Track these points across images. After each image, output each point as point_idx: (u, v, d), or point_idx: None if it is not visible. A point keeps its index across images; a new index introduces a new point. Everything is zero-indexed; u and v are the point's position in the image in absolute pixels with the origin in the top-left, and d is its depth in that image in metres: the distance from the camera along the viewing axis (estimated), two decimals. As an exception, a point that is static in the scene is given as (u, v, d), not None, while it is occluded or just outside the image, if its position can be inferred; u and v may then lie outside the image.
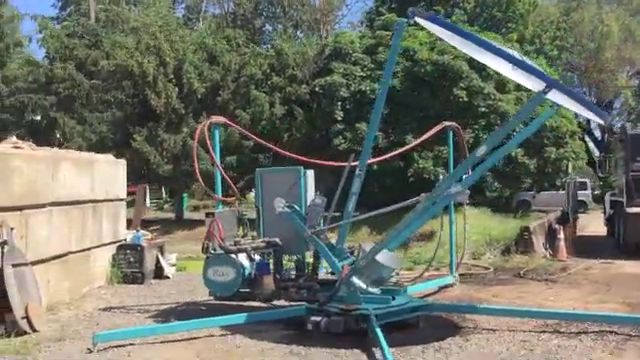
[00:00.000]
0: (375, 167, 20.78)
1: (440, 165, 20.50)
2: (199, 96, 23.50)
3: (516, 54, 6.92)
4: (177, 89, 23.27)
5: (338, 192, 7.48)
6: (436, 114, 20.98)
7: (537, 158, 21.03)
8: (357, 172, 7.32)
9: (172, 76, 23.50)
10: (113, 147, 23.04)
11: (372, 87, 21.17)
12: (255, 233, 8.09)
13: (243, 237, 7.93)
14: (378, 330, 6.27)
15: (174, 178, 23.48)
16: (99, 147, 23.55)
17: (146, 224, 16.27)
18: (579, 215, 21.62)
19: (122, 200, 11.24)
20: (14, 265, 7.11)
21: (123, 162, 11.41)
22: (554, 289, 9.59)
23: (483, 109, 20.51)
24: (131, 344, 6.51)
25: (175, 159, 22.88)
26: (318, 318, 6.81)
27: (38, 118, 23.31)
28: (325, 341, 6.53)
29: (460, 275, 11.21)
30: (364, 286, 7.12)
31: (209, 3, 54.90)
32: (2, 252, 7.08)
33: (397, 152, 11.23)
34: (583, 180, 30.02)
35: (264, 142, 10.14)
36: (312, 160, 8.97)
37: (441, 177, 20.20)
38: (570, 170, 24.41)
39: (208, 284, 7.66)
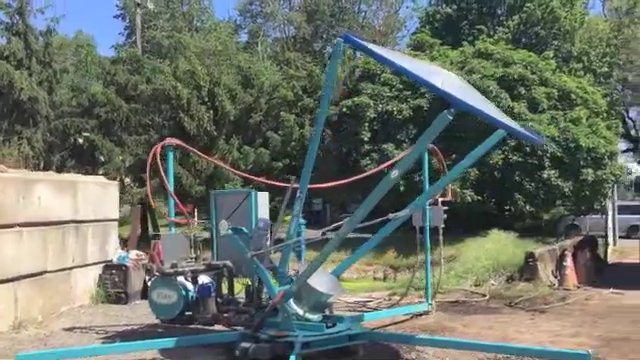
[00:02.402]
0: (402, 188, 20.55)
1: (468, 187, 19.91)
2: (232, 118, 23.93)
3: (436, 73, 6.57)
4: (212, 112, 23.81)
5: (281, 214, 7.35)
6: (463, 135, 20.47)
7: (573, 180, 19.99)
8: (298, 194, 7.14)
9: (207, 99, 24.09)
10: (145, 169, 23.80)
11: (400, 107, 20.84)
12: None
13: (194, 260, 7.88)
14: (292, 358, 6.05)
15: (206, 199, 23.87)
16: (135, 169, 24.45)
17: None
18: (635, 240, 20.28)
19: (113, 221, 11.45)
20: (-37, 284, 7.33)
21: (115, 184, 11.68)
22: (535, 320, 9.01)
23: (513, 129, 19.74)
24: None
25: (207, 180, 23.26)
26: (247, 344, 6.65)
27: (81, 141, 24.29)
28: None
29: (452, 302, 10.82)
30: (301, 312, 6.92)
31: (270, 27, 56.28)
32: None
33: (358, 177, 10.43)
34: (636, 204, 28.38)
35: (222, 164, 10.20)
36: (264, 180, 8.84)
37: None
38: (611, 193, 23.18)
39: (152, 307, 7.65)
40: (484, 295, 11.23)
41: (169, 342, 6.90)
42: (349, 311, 9.89)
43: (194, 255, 7.96)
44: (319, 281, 6.98)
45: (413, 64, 6.48)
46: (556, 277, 12.31)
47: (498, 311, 9.83)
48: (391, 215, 7.23)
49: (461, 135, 19.67)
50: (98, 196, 11.03)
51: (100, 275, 10.82)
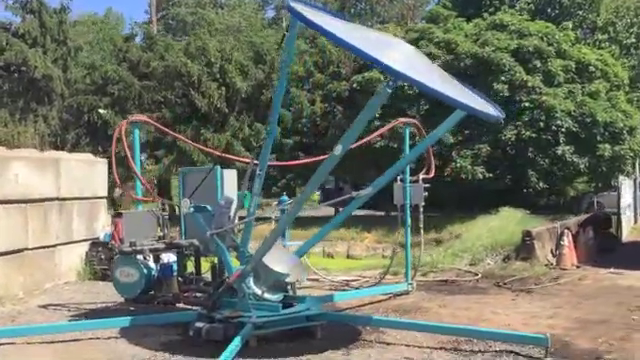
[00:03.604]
0: (413, 165, 20.13)
1: (479, 164, 19.42)
2: (243, 95, 23.76)
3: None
4: (223, 89, 23.69)
5: (242, 192, 7.17)
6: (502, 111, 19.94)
7: (589, 156, 19.32)
8: (257, 172, 6.94)
9: (218, 76, 23.96)
10: (161, 146, 23.89)
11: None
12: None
13: (161, 238, 7.78)
14: (238, 338, 5.90)
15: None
16: (148, 146, 24.55)
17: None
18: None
19: (102, 198, 11.44)
20: None
21: (103, 161, 11.63)
22: (517, 301, 8.69)
23: (526, 104, 19.13)
24: (12, 343, 6.55)
25: (219, 158, 23.21)
26: (201, 324, 6.54)
27: (102, 112, 24.24)
28: (205, 349, 6.23)
29: (440, 282, 10.56)
30: (259, 292, 6.76)
31: (296, 3, 55.72)
32: None
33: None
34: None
35: (186, 140, 10.10)
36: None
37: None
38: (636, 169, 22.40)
39: (115, 285, 7.58)
40: (476, 274, 10.92)
41: (124, 321, 6.83)
42: (331, 290, 9.73)
43: (161, 233, 7.85)
44: (277, 260, 6.80)
45: (365, 37, 6.15)
46: (555, 256, 11.88)
47: (484, 291, 9.52)
48: (354, 193, 6.99)
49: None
50: (85, 174, 11.01)
51: (87, 252, 10.84)
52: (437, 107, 19.71)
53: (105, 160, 11.72)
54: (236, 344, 5.83)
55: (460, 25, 22.03)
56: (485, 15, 23.39)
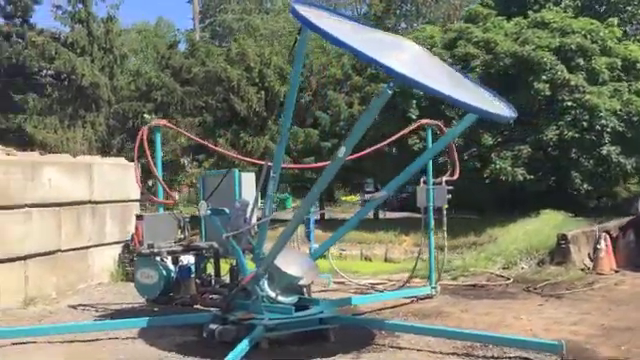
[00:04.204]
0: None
1: (520, 166, 18.96)
2: (282, 99, 23.91)
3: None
4: (262, 93, 23.94)
5: (257, 194, 7.22)
6: (516, 110, 19.46)
7: (637, 157, 18.60)
8: (272, 174, 6.97)
9: (257, 80, 24.22)
10: (203, 150, 24.30)
11: (449, 83, 20.03)
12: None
13: (181, 241, 7.89)
14: (246, 340, 5.94)
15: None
16: (188, 150, 25.02)
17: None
18: None
19: (135, 201, 11.69)
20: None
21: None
22: (544, 306, 8.44)
23: (568, 103, 18.54)
24: (33, 342, 6.77)
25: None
26: (215, 326, 6.61)
27: (146, 117, 24.87)
28: (218, 350, 6.29)
29: (468, 286, 10.37)
30: (273, 294, 6.79)
31: (341, 7, 55.77)
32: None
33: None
34: None
35: (205, 142, 10.27)
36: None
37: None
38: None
39: (136, 286, 7.74)
40: (508, 279, 10.66)
41: (142, 322, 6.98)
42: (355, 293, 9.68)
43: (182, 236, 7.97)
44: (291, 263, 6.82)
45: (369, 39, 6.08)
46: (592, 260, 11.48)
47: (512, 296, 9.29)
48: (368, 196, 6.94)
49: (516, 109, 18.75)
50: (118, 177, 11.28)
51: (119, 254, 11.10)
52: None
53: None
54: (244, 345, 5.87)
55: (500, 24, 21.55)
56: (529, 13, 22.84)
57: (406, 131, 9.21)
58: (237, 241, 7.12)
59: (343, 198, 29.97)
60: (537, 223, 15.81)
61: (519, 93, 19.28)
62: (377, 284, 10.40)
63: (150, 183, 24.79)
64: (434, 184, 8.98)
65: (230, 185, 7.92)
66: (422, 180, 8.99)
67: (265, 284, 6.80)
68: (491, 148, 19.36)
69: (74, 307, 8.92)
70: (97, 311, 8.63)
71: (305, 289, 7.12)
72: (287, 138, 6.92)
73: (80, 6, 26.38)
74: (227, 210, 7.43)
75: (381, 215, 26.38)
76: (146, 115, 24.89)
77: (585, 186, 18.91)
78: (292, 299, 6.86)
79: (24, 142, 24.88)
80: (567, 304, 8.54)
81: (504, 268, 11.77)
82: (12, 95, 26.59)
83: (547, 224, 15.22)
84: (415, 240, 20.83)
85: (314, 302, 6.99)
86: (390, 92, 5.31)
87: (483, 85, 6.98)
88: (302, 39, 6.59)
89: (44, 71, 28.82)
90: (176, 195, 8.57)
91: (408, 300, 8.85)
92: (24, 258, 9.05)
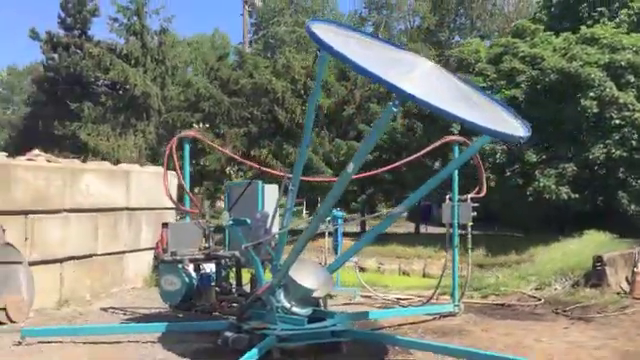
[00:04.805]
0: (493, 184, 19.57)
1: (564, 184, 18.55)
2: (325, 111, 24.14)
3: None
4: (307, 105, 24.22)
5: (275, 207, 7.36)
6: (561, 128, 19.12)
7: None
8: (290, 187, 7.10)
9: (302, 92, 24.53)
10: (246, 159, 24.74)
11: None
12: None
13: (206, 249, 8.10)
14: (255, 349, 6.05)
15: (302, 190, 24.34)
16: (232, 160, 25.49)
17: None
18: None
19: (169, 209, 12.01)
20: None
21: (172, 174, 12.21)
22: (570, 329, 8.23)
23: (617, 121, 18.08)
24: (59, 341, 7.07)
25: (338, 163, 23.57)
26: (229, 334, 6.75)
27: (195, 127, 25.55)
28: (231, 358, 6.43)
29: (497, 305, 10.21)
30: (287, 305, 6.88)
31: (395, 19, 55.77)
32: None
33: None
34: None
35: (236, 157, 10.37)
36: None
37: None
38: None
39: (160, 292, 7.99)
40: (539, 300, 10.43)
41: (161, 327, 7.19)
42: (380, 307, 9.68)
43: (206, 245, 8.18)
44: (305, 275, 6.90)
45: (382, 55, 6.13)
46: (630, 284, 11.09)
47: (539, 317, 9.09)
48: (385, 211, 6.97)
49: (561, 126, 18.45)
50: (155, 185, 11.61)
51: (153, 260, 11.43)
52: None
53: (174, 173, 12.31)
54: (252, 354, 5.98)
55: (548, 39, 21.24)
56: (581, 28, 22.36)
57: (430, 148, 9.17)
58: (256, 251, 7.27)
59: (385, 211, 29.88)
60: (579, 243, 15.44)
61: (566, 110, 18.94)
62: (404, 299, 10.35)
63: (196, 191, 25.28)
64: (460, 201, 8.91)
65: (254, 196, 8.11)
66: (447, 197, 8.95)
67: (281, 295, 6.91)
68: (535, 165, 19.04)
69: (105, 310, 9.25)
70: (125, 314, 8.93)
71: (321, 301, 7.18)
72: (306, 154, 7.03)
73: (135, 19, 27.42)
74: (248, 221, 7.61)
75: (422, 230, 26.25)
76: (195, 125, 25.60)
77: (633, 207, 18.33)
78: (307, 311, 6.93)
79: (78, 148, 25.99)
80: (594, 328, 8.31)
81: (537, 288, 11.50)
82: (69, 103, 27.79)
83: (589, 245, 14.82)
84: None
85: (329, 315, 7.05)
86: (395, 109, 5.34)
87: (501, 102, 6.92)
88: (322, 57, 6.69)
89: (100, 81, 30.02)
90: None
91: (431, 317, 8.78)
92: (60, 261, 9.46)
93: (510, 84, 20.02)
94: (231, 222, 7.55)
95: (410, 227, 26.81)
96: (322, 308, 7.20)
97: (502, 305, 10.13)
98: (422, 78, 5.49)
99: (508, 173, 19.26)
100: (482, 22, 51.12)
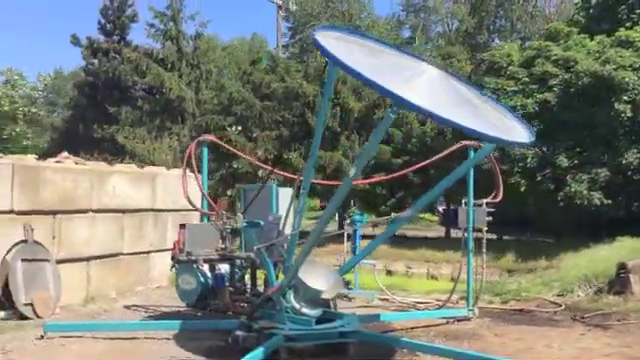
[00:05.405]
0: (523, 189, 19.35)
1: (597, 189, 18.23)
2: (356, 115, 24.25)
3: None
4: (338, 109, 24.38)
5: (288, 209, 7.52)
6: (594, 132, 18.80)
7: None
8: (301, 190, 7.26)
9: (333, 96, 24.66)
10: (276, 162, 25.03)
11: (524, 102, 19.55)
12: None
13: (222, 250, 8.33)
14: (261, 348, 6.22)
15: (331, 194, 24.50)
16: (264, 162, 25.80)
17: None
18: None
19: (195, 210, 12.30)
20: (27, 260, 8.50)
21: (198, 176, 12.52)
22: (585, 336, 8.16)
23: (652, 125, 17.70)
24: (80, 336, 7.39)
25: (327, 176, 23.84)
26: (240, 333, 6.94)
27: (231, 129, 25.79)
28: (239, 356, 6.63)
29: (515, 310, 10.18)
30: (297, 306, 7.04)
31: (433, 22, 55.49)
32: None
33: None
34: None
35: (255, 161, 10.51)
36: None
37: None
38: None
39: (178, 291, 8.25)
40: (559, 306, 10.35)
41: (175, 325, 7.44)
42: (396, 310, 9.76)
43: (223, 245, 8.40)
44: (315, 276, 7.05)
45: (387, 62, 6.23)
46: (656, 292, 10.88)
47: (555, 323, 9.03)
48: (395, 215, 7.07)
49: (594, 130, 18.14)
50: (178, 188, 11.94)
51: (179, 260, 11.73)
52: (554, 126, 18.87)
53: (199, 175, 12.63)
54: (258, 352, 6.14)
55: (582, 42, 20.86)
56: (620, 29, 21.91)
57: (447, 152, 9.21)
58: (269, 253, 7.46)
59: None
60: (609, 250, 15.14)
61: (599, 114, 18.61)
62: (422, 303, 10.41)
63: (229, 193, 25.62)
64: (475, 205, 8.93)
65: (269, 199, 8.30)
66: (463, 201, 8.98)
67: (291, 296, 7.07)
68: (566, 170, 18.75)
69: (128, 307, 9.58)
70: (147, 312, 9.23)
71: (332, 302, 7.32)
72: (316, 158, 7.17)
73: (171, 24, 28.04)
74: (261, 223, 7.81)
75: (453, 234, 26.06)
76: (228, 128, 26.04)
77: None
78: (316, 312, 7.08)
79: (116, 151, 26.71)
80: (610, 335, 8.22)
81: (559, 295, 11.38)
82: (108, 107, 28.59)
83: (619, 251, 14.53)
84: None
85: (338, 316, 7.18)
86: (392, 116, 5.45)
87: (507, 107, 6.95)
88: (331, 71, 6.80)
89: (137, 85, 30.79)
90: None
91: (444, 321, 8.83)
92: (87, 259, 9.83)
93: (542, 87, 19.77)
94: (245, 224, 7.77)
95: (441, 231, 26.67)
96: (332, 309, 7.33)
97: (520, 311, 10.09)
98: (425, 85, 5.58)
99: (539, 178, 19.02)
100: (523, 24, 50.35)
